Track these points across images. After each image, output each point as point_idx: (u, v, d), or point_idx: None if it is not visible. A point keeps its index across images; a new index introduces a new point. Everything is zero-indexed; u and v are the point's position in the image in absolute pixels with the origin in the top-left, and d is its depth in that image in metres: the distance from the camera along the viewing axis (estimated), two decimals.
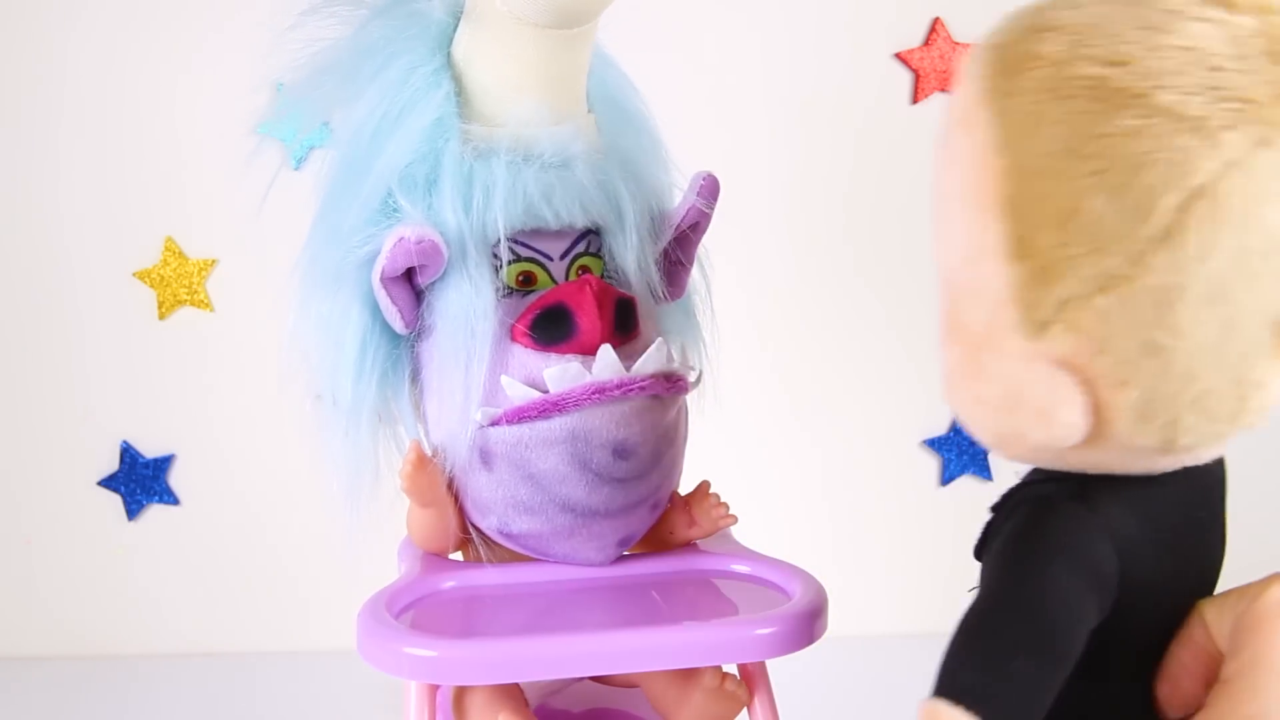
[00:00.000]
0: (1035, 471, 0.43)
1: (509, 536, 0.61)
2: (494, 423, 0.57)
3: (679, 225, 0.64)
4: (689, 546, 0.66)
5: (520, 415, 0.56)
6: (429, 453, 0.60)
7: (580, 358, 0.56)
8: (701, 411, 0.69)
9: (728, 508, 0.62)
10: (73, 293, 1.18)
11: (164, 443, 1.21)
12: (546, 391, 0.56)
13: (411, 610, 0.58)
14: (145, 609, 1.22)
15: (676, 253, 0.66)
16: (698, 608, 0.59)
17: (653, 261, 0.63)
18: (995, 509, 0.43)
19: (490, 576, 0.62)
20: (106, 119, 1.17)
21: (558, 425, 0.56)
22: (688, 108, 1.18)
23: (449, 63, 0.60)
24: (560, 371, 0.56)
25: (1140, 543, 0.40)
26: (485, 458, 0.58)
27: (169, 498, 1.21)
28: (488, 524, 0.61)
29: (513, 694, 0.60)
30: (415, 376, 0.62)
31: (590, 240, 0.62)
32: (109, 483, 1.21)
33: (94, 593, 1.22)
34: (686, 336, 0.71)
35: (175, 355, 1.20)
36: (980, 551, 0.44)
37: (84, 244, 1.18)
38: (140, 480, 1.21)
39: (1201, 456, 0.40)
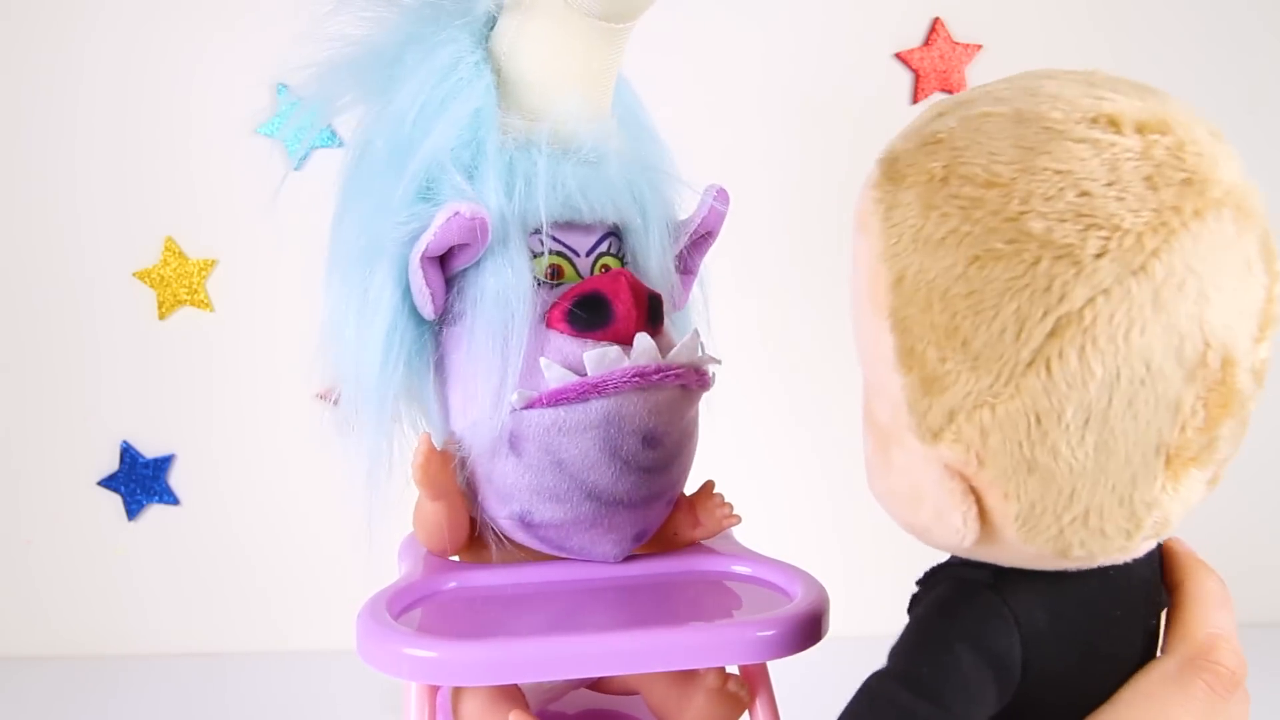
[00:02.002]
0: (954, 556, 0.44)
1: (528, 526, 0.60)
2: (528, 405, 0.57)
3: (695, 230, 0.65)
4: (693, 547, 0.66)
5: (558, 398, 0.56)
6: (439, 445, 0.60)
7: (617, 345, 0.57)
8: (709, 413, 0.69)
9: (732, 508, 0.62)
10: (73, 293, 1.18)
11: (164, 443, 1.21)
12: (585, 375, 0.56)
13: (412, 610, 0.58)
14: (145, 609, 1.23)
15: (686, 261, 0.67)
16: (700, 609, 0.59)
17: (670, 260, 0.64)
18: (921, 582, 0.44)
19: (492, 577, 0.62)
20: (107, 120, 1.17)
21: (595, 409, 0.56)
22: (688, 107, 1.18)
23: (489, 55, 0.61)
24: (600, 355, 0.56)
25: (1048, 637, 0.40)
26: (515, 442, 0.58)
27: (169, 498, 1.21)
28: (509, 511, 0.60)
29: (513, 695, 0.60)
30: (439, 364, 0.62)
31: (612, 242, 0.63)
32: (109, 483, 1.21)
33: (94, 593, 1.22)
34: None
35: (175, 355, 1.20)
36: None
37: (84, 244, 1.18)
38: (140, 480, 1.21)
39: (1113, 561, 0.40)
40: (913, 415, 0.38)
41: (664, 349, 0.59)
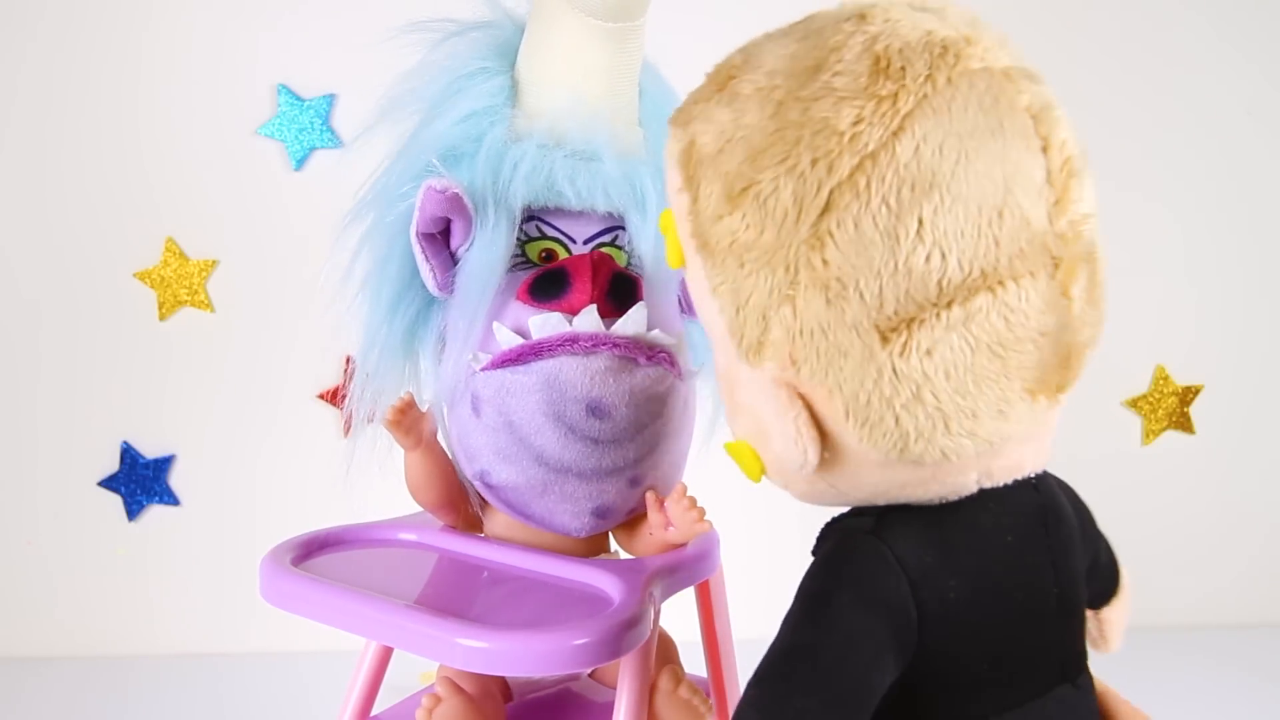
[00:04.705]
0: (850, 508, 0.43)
1: (490, 487, 0.64)
2: (485, 368, 0.61)
3: None
4: (606, 556, 0.67)
5: (504, 359, 0.60)
6: (423, 405, 0.65)
7: (569, 316, 0.60)
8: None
9: (702, 513, 0.62)
10: (73, 293, 1.18)
11: (164, 443, 1.21)
12: (529, 338, 0.61)
13: (324, 553, 0.66)
14: (145, 609, 1.23)
15: None
16: (523, 615, 0.58)
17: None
18: (815, 549, 0.43)
19: (425, 538, 0.67)
20: (108, 120, 1.17)
21: (535, 370, 0.60)
22: None
23: (512, 65, 0.67)
24: (542, 320, 0.60)
25: (940, 573, 0.39)
26: (475, 403, 0.62)
27: (169, 498, 1.22)
28: (472, 471, 0.64)
29: (480, 682, 0.63)
30: (441, 335, 0.66)
31: (618, 235, 0.66)
32: (109, 483, 1.21)
33: (94, 593, 1.22)
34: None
35: (175, 355, 1.20)
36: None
37: (84, 244, 1.18)
38: (140, 480, 1.21)
39: (965, 472, 0.39)
40: (733, 338, 0.38)
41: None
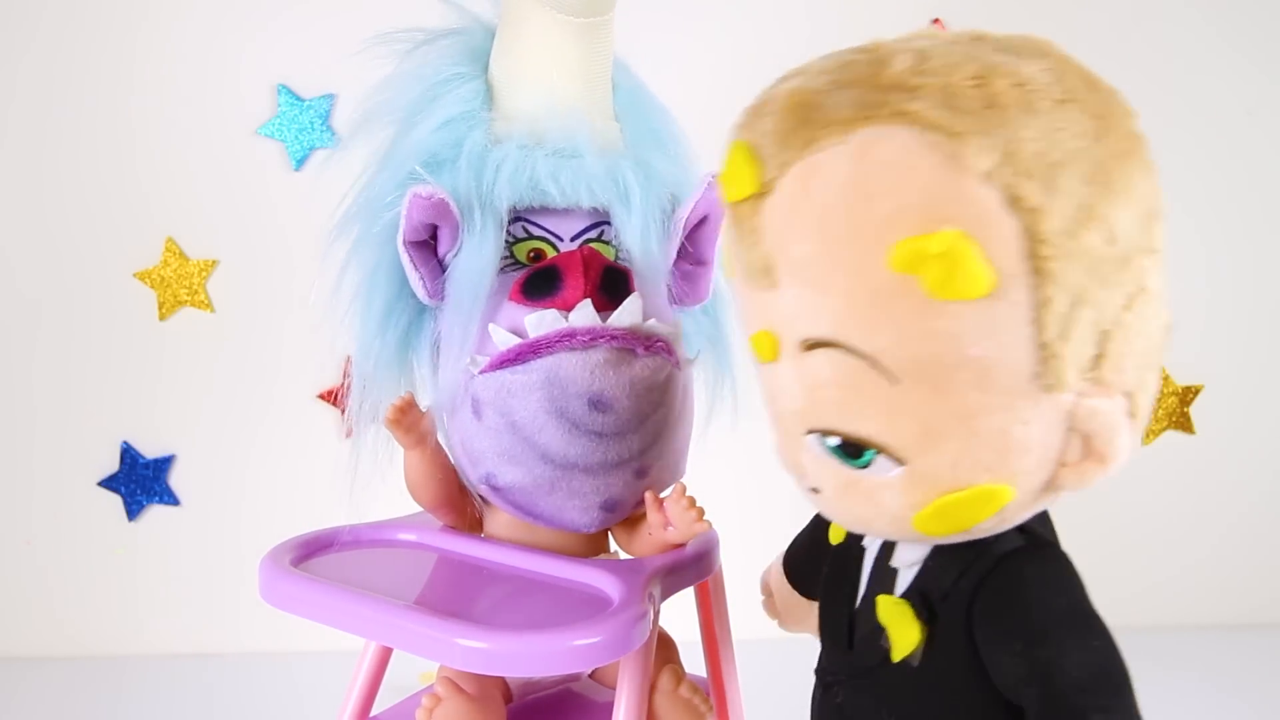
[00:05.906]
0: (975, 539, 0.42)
1: (496, 489, 0.63)
2: (483, 370, 0.61)
3: (690, 217, 0.67)
4: (606, 556, 0.67)
5: (503, 360, 0.60)
6: (423, 405, 0.65)
7: (564, 312, 0.60)
8: (734, 421, 0.71)
9: (701, 513, 0.62)
10: (73, 293, 1.18)
11: (164, 443, 1.21)
12: (526, 337, 0.60)
13: (322, 554, 0.66)
14: (145, 609, 1.23)
15: (694, 252, 0.68)
16: (523, 615, 0.58)
17: (658, 245, 0.66)
18: (948, 584, 0.42)
19: (425, 538, 0.67)
20: (108, 120, 1.17)
21: (535, 369, 0.60)
22: (693, 109, 1.19)
23: (486, 69, 0.68)
24: (538, 318, 0.60)
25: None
26: (476, 406, 0.62)
27: (169, 498, 1.22)
28: (478, 475, 0.64)
29: (479, 682, 0.63)
30: (435, 342, 0.66)
31: (604, 230, 0.66)
32: (109, 483, 1.21)
33: (94, 593, 1.22)
34: (714, 341, 0.73)
35: (175, 355, 1.20)
36: (932, 613, 0.43)
37: (84, 244, 1.18)
38: (140, 480, 1.21)
39: None
40: (1055, 361, 0.36)
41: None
